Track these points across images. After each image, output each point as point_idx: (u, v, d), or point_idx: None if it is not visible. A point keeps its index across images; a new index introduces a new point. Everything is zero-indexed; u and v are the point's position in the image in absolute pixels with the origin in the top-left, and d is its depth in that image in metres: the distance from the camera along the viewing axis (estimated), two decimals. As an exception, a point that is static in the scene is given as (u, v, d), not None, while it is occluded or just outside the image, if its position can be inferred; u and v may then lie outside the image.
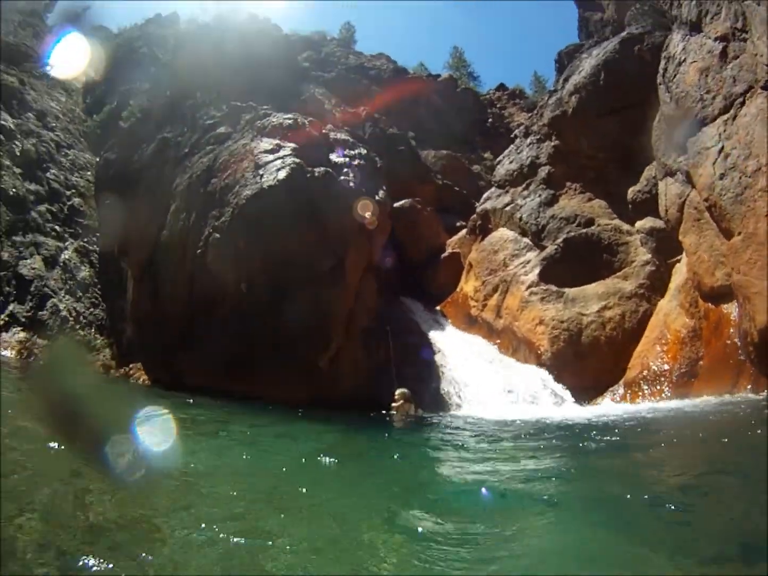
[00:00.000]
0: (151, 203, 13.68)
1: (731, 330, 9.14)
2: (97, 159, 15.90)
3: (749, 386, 8.30)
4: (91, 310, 14.55)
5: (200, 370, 11.59)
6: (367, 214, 18.00)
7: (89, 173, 16.12)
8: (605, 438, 7.42)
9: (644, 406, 9.75)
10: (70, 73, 15.99)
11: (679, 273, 11.28)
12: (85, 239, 15.47)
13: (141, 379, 13.35)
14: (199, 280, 12.22)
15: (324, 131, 14.60)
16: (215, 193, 12.52)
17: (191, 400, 10.51)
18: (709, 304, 9.87)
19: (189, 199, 13.01)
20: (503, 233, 16.07)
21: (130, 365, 13.82)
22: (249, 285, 11.87)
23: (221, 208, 12.23)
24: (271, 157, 12.71)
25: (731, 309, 9.26)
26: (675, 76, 10.52)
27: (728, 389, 8.60)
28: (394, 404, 10.96)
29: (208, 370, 11.45)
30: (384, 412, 10.97)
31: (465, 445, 7.68)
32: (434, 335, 14.72)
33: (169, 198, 13.41)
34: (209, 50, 14.91)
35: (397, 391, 11.12)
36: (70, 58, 15.46)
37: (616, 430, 8.13)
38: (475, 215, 17.50)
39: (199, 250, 12.25)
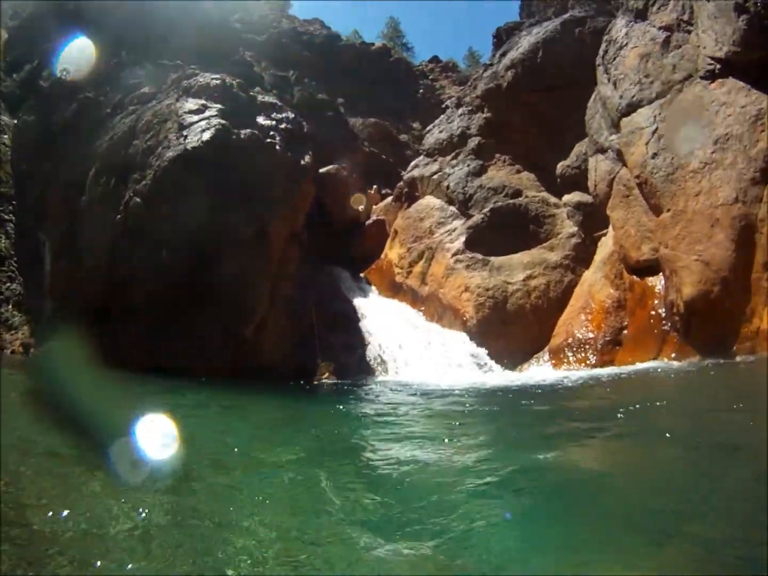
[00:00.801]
0: (70, 168, 12.71)
1: (656, 301, 9.70)
2: (15, 121, 14.57)
3: (673, 354, 8.87)
4: (8, 284, 13.37)
5: (122, 345, 10.96)
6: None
7: (6, 136, 14.70)
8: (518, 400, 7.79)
9: (567, 373, 10.16)
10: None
11: (605, 246, 11.82)
12: (1, 208, 14.18)
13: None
14: (119, 248, 11.49)
15: (252, 93, 14.03)
16: (137, 155, 11.75)
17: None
18: (634, 277, 10.41)
19: (109, 162, 12.13)
20: (430, 201, 16.18)
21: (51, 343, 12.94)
22: (171, 253, 11.33)
23: (143, 171, 11.51)
24: (196, 117, 12.04)
25: (656, 282, 9.82)
26: (615, 58, 10.90)
27: (652, 357, 9.15)
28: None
29: (130, 344, 10.86)
30: (308, 381, 11.03)
31: (385, 412, 7.65)
32: (359, 302, 14.71)
33: (89, 162, 12.50)
34: (136, 8, 13.93)
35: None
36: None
37: (534, 392, 8.52)
38: (402, 182, 17.51)
39: (119, 216, 11.51)
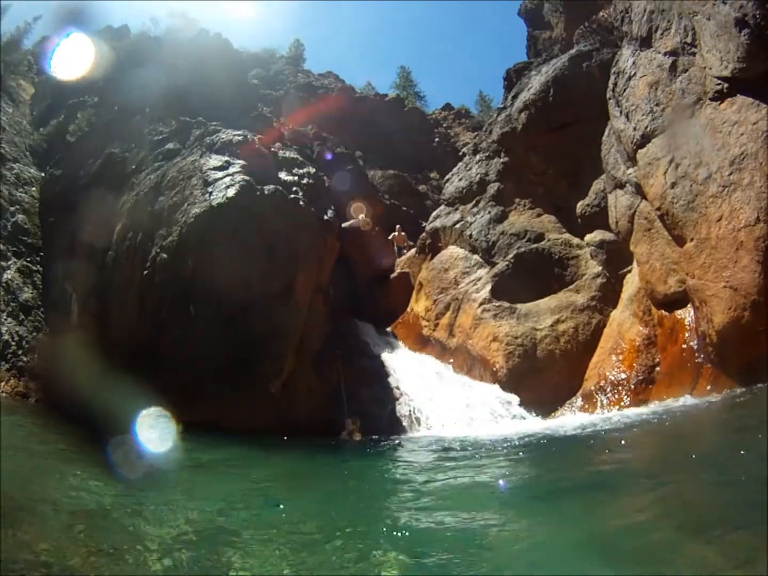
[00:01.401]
0: (97, 222, 13.06)
1: (686, 334, 9.22)
2: (43, 174, 15.15)
3: (709, 387, 8.34)
4: (35, 334, 13.60)
5: (152, 397, 10.96)
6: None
7: (34, 189, 15.29)
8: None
9: (601, 416, 9.73)
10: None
11: (631, 283, 11.40)
12: (29, 258, 14.62)
13: None
14: (147, 302, 11.62)
15: (273, 149, 14.34)
16: (163, 212, 12.01)
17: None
18: (663, 311, 9.96)
19: (136, 218, 12.44)
20: (453, 251, 16.03)
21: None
22: (198, 308, 11.38)
23: (169, 227, 11.73)
24: (220, 174, 12.33)
25: (685, 314, 9.36)
26: (625, 90, 10.76)
27: (688, 391, 8.62)
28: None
29: (158, 397, 10.82)
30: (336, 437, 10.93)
31: (417, 472, 7.56)
32: (387, 357, 14.48)
33: (116, 217, 12.83)
34: (159, 65, 14.54)
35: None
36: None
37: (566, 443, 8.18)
38: (424, 234, 17.46)
39: (146, 272, 11.67)
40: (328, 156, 20.94)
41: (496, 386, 12.47)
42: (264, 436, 9.92)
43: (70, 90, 15.36)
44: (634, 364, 10.19)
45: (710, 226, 8.46)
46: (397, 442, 10.67)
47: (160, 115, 14.28)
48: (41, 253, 14.45)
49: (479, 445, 9.12)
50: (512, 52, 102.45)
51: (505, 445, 8.84)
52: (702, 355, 8.67)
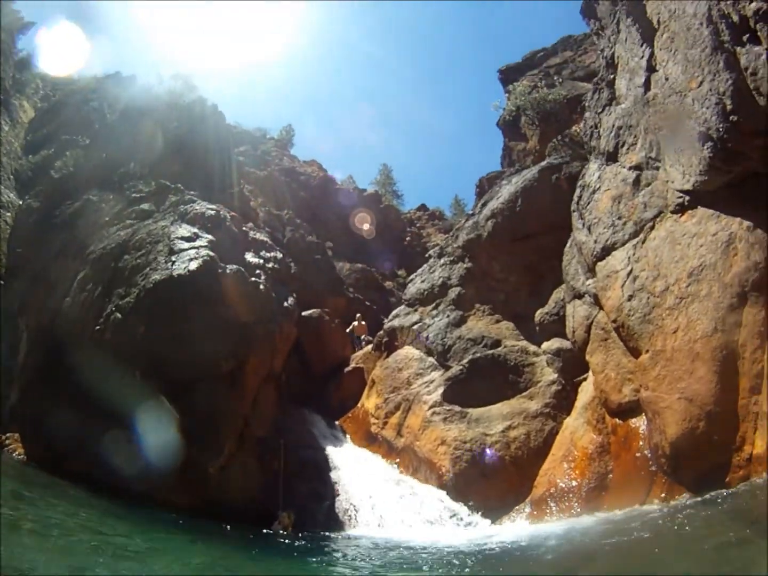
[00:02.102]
0: (62, 264, 12.82)
1: (640, 443, 9.20)
2: (21, 202, 14.90)
3: (663, 494, 8.23)
4: None
5: (80, 458, 10.28)
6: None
7: (9, 215, 14.93)
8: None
9: (546, 527, 9.47)
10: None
11: (585, 391, 11.47)
12: None
13: (17, 452, 11.87)
14: (94, 359, 11.16)
15: (244, 229, 14.49)
16: (125, 270, 11.90)
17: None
18: (617, 420, 9.97)
19: (98, 271, 12.28)
20: (409, 351, 16.01)
21: (7, 434, 12.22)
22: (143, 375, 11.00)
23: (128, 288, 11.58)
24: (186, 245, 12.38)
25: (639, 423, 9.38)
26: (589, 203, 11.31)
27: (641, 500, 8.48)
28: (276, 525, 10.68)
29: (89, 459, 10.16)
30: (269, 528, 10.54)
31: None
32: (332, 450, 14.17)
33: (80, 264, 12.58)
34: (153, 123, 14.84)
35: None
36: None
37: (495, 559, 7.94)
38: (381, 332, 17.46)
39: (98, 327, 11.31)
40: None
41: (442, 492, 12.14)
42: (193, 517, 9.65)
43: (65, 124, 15.58)
44: (587, 472, 10.05)
45: (666, 338, 8.67)
46: (328, 540, 10.35)
47: (143, 172, 14.45)
48: (1, 281, 14.05)
49: (411, 550, 8.88)
50: (492, 160, 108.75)
51: (444, 554, 8.58)
52: (655, 465, 8.60)
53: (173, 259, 11.95)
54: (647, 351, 9.07)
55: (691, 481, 7.87)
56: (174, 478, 10.38)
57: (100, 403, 10.42)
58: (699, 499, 7.39)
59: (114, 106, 15.25)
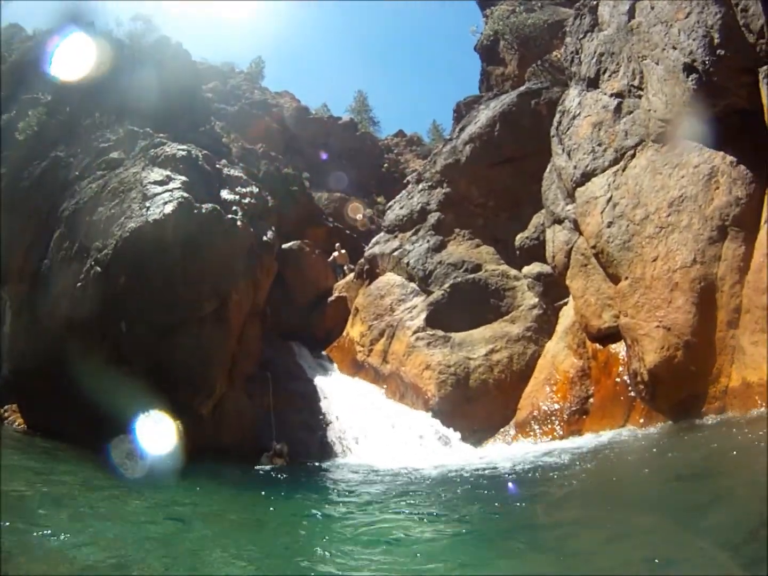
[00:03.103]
0: (36, 227, 12.45)
1: (620, 368, 9.47)
2: None
3: (641, 420, 8.57)
4: None
5: (77, 417, 10.34)
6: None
7: None
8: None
9: (531, 447, 9.87)
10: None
11: (566, 316, 11.68)
12: None
13: (16, 423, 11.82)
14: (78, 317, 11.04)
15: (218, 166, 14.04)
16: (100, 223, 11.53)
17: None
18: (597, 345, 10.22)
19: (74, 228, 11.91)
20: (390, 278, 16.04)
21: (5, 407, 12.22)
22: (129, 325, 10.93)
23: (105, 240, 11.26)
24: (159, 189, 11.94)
25: (619, 349, 9.62)
26: (569, 129, 11.11)
27: (621, 424, 8.83)
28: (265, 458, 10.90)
29: (84, 417, 10.22)
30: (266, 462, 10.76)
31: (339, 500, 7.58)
32: (320, 381, 14.40)
33: (55, 223, 12.24)
34: (116, 69, 14.04)
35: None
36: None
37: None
38: (362, 260, 17.43)
39: (79, 284, 11.14)
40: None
41: (429, 414, 12.45)
42: (189, 459, 9.52)
43: (26, 83, 14.67)
44: (568, 395, 10.38)
45: (645, 266, 8.76)
46: (323, 469, 10.60)
47: (109, 121, 13.79)
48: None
49: (408, 475, 9.14)
50: (470, 84, 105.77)
51: (434, 474, 8.86)
52: (634, 391, 8.90)
53: (147, 204, 11.58)
54: (626, 278, 9.17)
55: (668, 408, 8.17)
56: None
57: (91, 362, 10.43)
58: (673, 426, 7.71)
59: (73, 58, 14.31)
